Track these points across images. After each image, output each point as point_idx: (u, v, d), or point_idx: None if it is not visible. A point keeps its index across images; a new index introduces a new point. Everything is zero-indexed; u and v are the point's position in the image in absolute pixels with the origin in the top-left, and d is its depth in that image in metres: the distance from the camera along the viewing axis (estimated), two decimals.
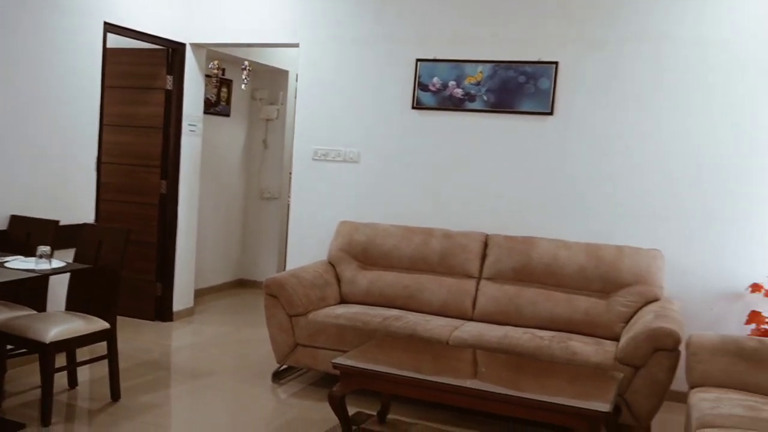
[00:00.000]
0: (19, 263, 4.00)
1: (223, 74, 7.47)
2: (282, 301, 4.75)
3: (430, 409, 4.42)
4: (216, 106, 7.46)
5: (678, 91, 4.92)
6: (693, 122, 4.89)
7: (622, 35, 5.02)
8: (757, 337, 3.98)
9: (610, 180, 5.09)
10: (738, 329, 4.68)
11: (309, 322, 4.74)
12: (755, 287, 4.67)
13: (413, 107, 5.56)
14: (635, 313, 4.57)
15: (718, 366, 3.73)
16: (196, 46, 6.31)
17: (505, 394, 3.49)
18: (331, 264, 5.37)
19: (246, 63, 7.29)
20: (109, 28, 5.45)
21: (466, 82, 5.39)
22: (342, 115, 5.79)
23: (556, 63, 5.17)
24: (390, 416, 4.29)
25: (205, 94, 6.80)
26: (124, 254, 4.33)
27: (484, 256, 5.12)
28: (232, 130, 7.84)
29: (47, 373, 3.92)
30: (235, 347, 5.85)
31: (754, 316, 4.63)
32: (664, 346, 3.95)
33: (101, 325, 4.23)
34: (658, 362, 3.97)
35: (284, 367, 4.99)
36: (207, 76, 6.83)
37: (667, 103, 4.95)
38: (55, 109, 5.06)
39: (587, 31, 5.10)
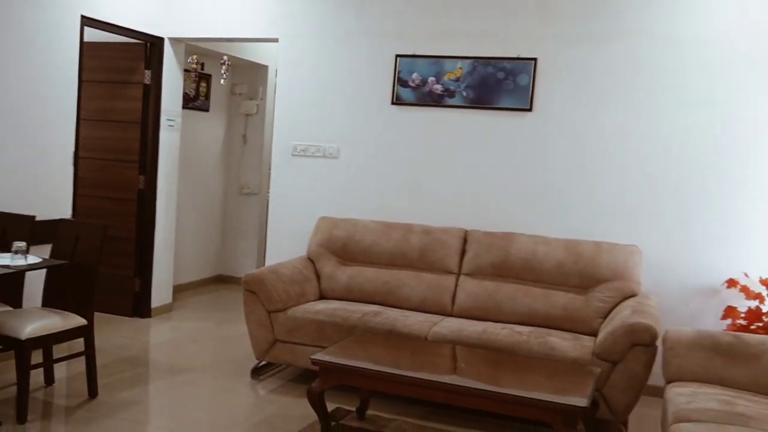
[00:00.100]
0: None
1: (202, 69, 7.43)
2: (261, 297, 4.73)
3: (410, 405, 4.43)
4: (195, 100, 7.42)
5: (656, 89, 4.95)
6: (671, 120, 4.93)
7: (601, 32, 5.05)
8: (733, 332, 4.02)
9: (589, 176, 5.12)
10: (714, 324, 4.73)
11: (288, 318, 4.73)
12: (731, 283, 4.72)
13: (392, 103, 5.56)
14: (613, 308, 4.61)
15: (694, 361, 3.77)
16: (175, 41, 6.26)
17: (484, 390, 3.51)
18: (311, 260, 5.36)
19: (225, 58, 7.26)
20: (87, 21, 5.40)
21: (445, 78, 5.40)
22: (321, 110, 5.77)
23: (535, 59, 5.19)
24: (369, 412, 4.29)
25: (184, 89, 6.76)
26: (102, 250, 4.29)
27: (463, 252, 5.13)
28: (211, 125, 7.80)
29: (23, 370, 3.88)
30: (214, 343, 5.84)
31: (729, 312, 4.68)
32: (641, 341, 3.98)
33: (78, 321, 4.20)
34: (636, 357, 4.00)
35: (263, 363, 4.97)
36: (186, 70, 6.78)
37: (645, 101, 4.98)
38: (31, 104, 5.01)
39: (566, 27, 5.13)
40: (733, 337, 3.83)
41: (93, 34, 5.70)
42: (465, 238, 5.17)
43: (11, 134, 4.86)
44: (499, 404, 3.47)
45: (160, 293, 6.45)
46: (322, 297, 5.22)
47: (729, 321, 4.67)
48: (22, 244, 4.03)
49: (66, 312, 4.21)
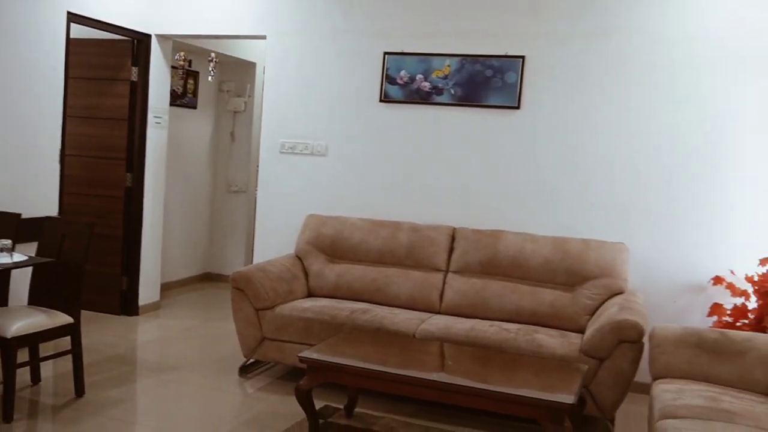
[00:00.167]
0: None
1: (189, 66, 7.40)
2: (249, 294, 4.72)
3: (397, 403, 4.43)
4: (182, 98, 7.39)
5: (645, 86, 4.97)
6: (659, 117, 4.95)
7: (589, 30, 5.06)
8: (719, 329, 4.04)
9: (577, 174, 5.13)
10: (700, 321, 4.76)
11: (276, 315, 4.72)
12: (717, 280, 4.75)
13: (381, 100, 5.56)
14: (600, 305, 4.62)
15: (680, 357, 3.79)
16: (162, 38, 6.24)
17: (471, 387, 3.51)
18: (299, 257, 5.35)
19: (213, 55, 7.23)
20: (73, 18, 5.37)
21: (433, 76, 5.40)
22: (309, 107, 5.76)
23: (523, 57, 5.19)
24: (357, 410, 4.30)
25: (172, 86, 6.73)
26: (88, 248, 4.27)
27: (451, 250, 5.14)
28: (198, 123, 7.77)
29: (9, 369, 3.86)
30: (202, 341, 5.82)
31: (715, 309, 4.70)
32: (628, 338, 4.00)
33: (65, 319, 4.18)
34: (623, 354, 4.02)
35: (251, 361, 4.97)
36: (173, 67, 6.76)
37: (633, 99, 5.00)
38: (17, 101, 4.98)
39: (554, 25, 5.14)
40: (719, 334, 3.85)
41: (79, 31, 5.67)
42: (453, 235, 5.18)
43: None
44: (487, 401, 3.48)
45: (147, 291, 6.42)
46: (310, 295, 5.22)
47: (715, 318, 4.70)
48: (8, 242, 4.01)
49: (52, 310, 4.19)
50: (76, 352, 4.28)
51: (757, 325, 4.46)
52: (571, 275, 4.79)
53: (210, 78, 7.46)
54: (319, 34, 5.71)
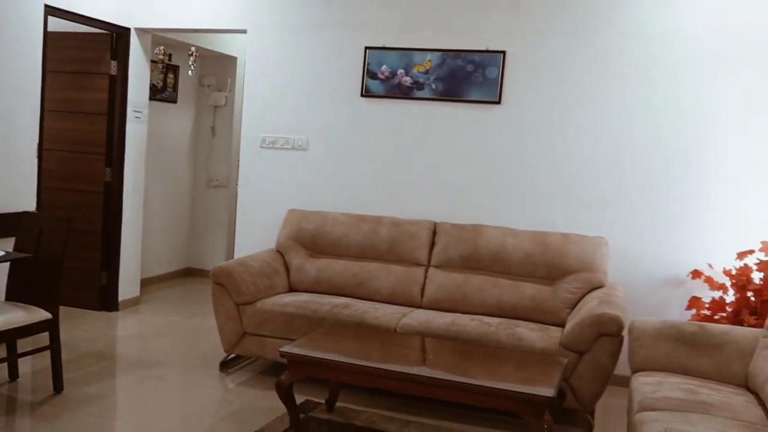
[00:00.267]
0: None
1: (169, 60, 7.35)
2: (229, 289, 4.71)
3: (379, 397, 4.43)
4: (162, 92, 7.34)
5: (625, 84, 5.00)
6: (639, 114, 4.98)
7: (569, 26, 5.08)
8: (697, 322, 4.08)
9: (558, 168, 5.15)
10: (679, 315, 4.79)
11: (257, 310, 4.71)
12: (695, 274, 4.79)
13: (362, 95, 5.55)
14: (580, 299, 4.65)
15: (659, 350, 3.82)
16: (141, 31, 6.19)
17: (452, 381, 3.52)
18: (280, 252, 5.34)
19: (193, 49, 7.19)
20: (50, 11, 5.31)
21: (414, 71, 5.40)
22: (290, 102, 5.75)
23: (504, 52, 5.20)
24: (338, 404, 4.30)
25: (151, 80, 6.69)
26: (66, 243, 4.23)
27: (432, 244, 5.15)
28: (179, 117, 7.73)
29: None
30: (183, 337, 5.80)
31: (694, 302, 4.74)
32: (607, 332, 4.02)
33: (43, 315, 4.14)
34: (602, 347, 4.04)
35: (232, 356, 4.95)
36: (153, 61, 6.71)
37: (613, 95, 5.03)
38: None
39: (535, 21, 5.15)
40: (697, 327, 3.89)
41: (57, 24, 5.61)
42: (434, 230, 5.19)
43: None
44: (468, 395, 3.49)
45: (127, 286, 6.38)
46: (292, 289, 5.21)
47: (693, 311, 4.74)
48: None
49: (30, 306, 4.15)
50: (55, 348, 4.25)
51: (735, 319, 4.51)
52: (552, 269, 4.82)
53: (190, 72, 7.42)
54: (300, 28, 5.69)
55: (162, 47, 7.05)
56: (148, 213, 6.87)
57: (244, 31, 5.87)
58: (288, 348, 3.80)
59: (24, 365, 4.60)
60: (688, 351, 3.79)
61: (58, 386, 4.27)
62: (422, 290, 5.03)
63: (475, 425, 4.18)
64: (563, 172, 5.14)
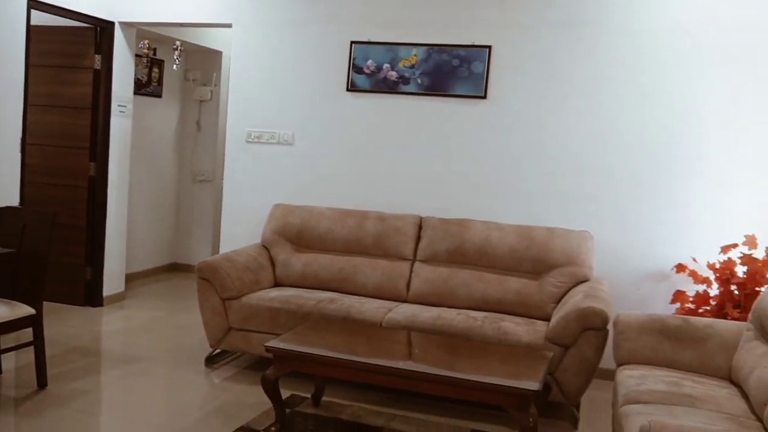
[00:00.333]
0: None
1: (154, 54, 7.31)
2: (215, 284, 4.69)
3: (365, 391, 4.44)
4: (147, 86, 7.30)
5: (609, 79, 5.01)
6: (624, 109, 5.00)
7: (555, 21, 5.08)
8: (681, 316, 4.10)
9: (543, 163, 5.17)
10: (663, 308, 4.82)
11: (242, 305, 4.70)
12: (680, 268, 4.81)
13: (348, 89, 5.54)
14: (565, 293, 4.67)
15: (644, 344, 3.84)
16: (126, 25, 6.15)
17: (437, 375, 3.52)
18: (265, 247, 5.33)
19: (178, 43, 7.14)
20: (33, 4, 5.26)
21: (400, 65, 5.39)
22: (276, 96, 5.73)
23: (489, 47, 5.21)
24: (324, 399, 4.30)
25: (136, 75, 6.65)
26: (50, 238, 4.21)
27: (418, 239, 5.15)
28: (164, 112, 7.68)
29: None
30: (168, 332, 5.77)
31: (678, 296, 4.77)
32: (592, 326, 4.04)
33: (26, 311, 4.11)
34: (587, 341, 4.06)
35: (217, 351, 4.94)
36: (137, 55, 6.67)
37: (598, 90, 5.04)
38: None
39: (520, 16, 5.15)
40: (681, 320, 3.91)
41: (41, 18, 5.56)
42: (420, 224, 5.19)
43: None
44: (453, 389, 3.50)
45: (112, 282, 6.35)
46: (277, 284, 5.20)
47: (678, 305, 4.77)
48: None
49: (14, 301, 4.12)
50: (38, 344, 4.22)
51: (719, 312, 4.54)
52: (537, 263, 4.83)
53: (175, 67, 7.37)
54: (285, 22, 5.67)
55: (146, 41, 7.00)
56: (132, 208, 6.84)
57: (229, 26, 5.85)
58: (273, 343, 3.79)
59: (7, 361, 4.57)
60: (672, 344, 3.81)
61: (41, 382, 4.24)
62: (408, 285, 5.03)
63: (461, 419, 4.19)
64: (549, 167, 5.16)
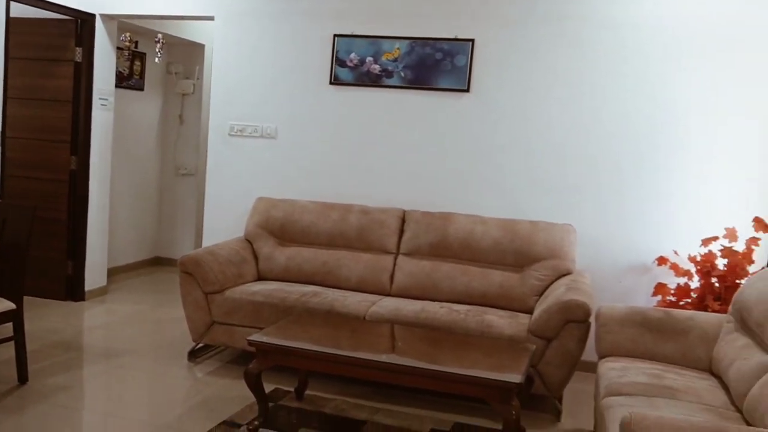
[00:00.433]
0: None
1: (135, 47, 7.25)
2: (197, 278, 4.67)
3: (348, 385, 4.44)
4: (129, 79, 7.25)
5: (592, 71, 5.03)
6: (606, 102, 5.02)
7: (538, 14, 5.09)
8: (663, 309, 4.12)
9: (526, 156, 5.18)
10: (645, 301, 4.86)
11: (225, 299, 4.68)
12: (661, 260, 4.85)
13: (331, 83, 5.52)
14: (548, 286, 4.69)
15: (625, 336, 3.87)
16: (107, 17, 6.09)
17: (420, 368, 3.52)
18: (248, 241, 5.31)
19: (160, 36, 7.09)
20: None
21: (383, 59, 5.38)
22: (259, 90, 5.70)
23: (472, 40, 5.21)
24: (308, 392, 4.30)
25: (117, 68, 6.59)
26: (31, 232, 4.17)
27: (401, 232, 5.15)
28: (146, 105, 7.63)
29: None
30: (150, 326, 5.74)
31: (659, 288, 4.81)
32: (575, 318, 4.06)
33: (6, 305, 4.07)
34: (570, 334, 4.08)
35: (200, 345, 4.92)
36: (119, 48, 6.61)
37: (581, 83, 5.06)
38: None
39: (503, 9, 5.15)
40: (663, 313, 3.94)
41: (20, 10, 5.50)
42: (403, 218, 5.19)
43: None
44: (436, 382, 3.50)
45: (93, 276, 6.31)
46: (260, 278, 5.18)
47: (659, 297, 4.80)
48: None
49: None
50: (19, 338, 4.19)
51: (699, 304, 4.57)
52: (520, 256, 4.84)
53: (157, 60, 7.32)
54: (267, 15, 5.64)
55: (128, 34, 6.94)
56: (114, 202, 6.80)
57: (211, 18, 5.81)
58: (256, 336, 3.78)
59: None
60: (653, 336, 3.84)
61: (22, 377, 4.21)
62: (391, 278, 5.03)
63: (444, 412, 4.20)
64: (532, 160, 5.17)
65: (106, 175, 6.35)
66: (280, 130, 5.67)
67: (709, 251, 4.67)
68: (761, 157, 4.79)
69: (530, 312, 4.57)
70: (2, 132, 5.20)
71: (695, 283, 4.71)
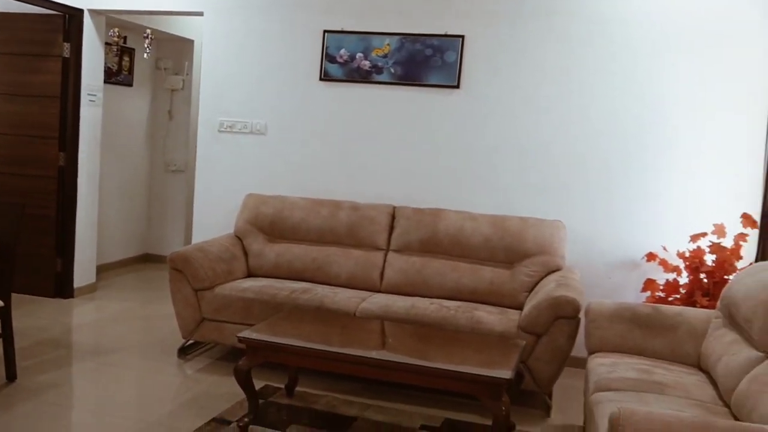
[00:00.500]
0: None
1: (124, 42, 7.22)
2: (187, 275, 4.66)
3: (339, 381, 4.44)
4: (117, 75, 7.21)
5: (581, 67, 5.04)
6: (595, 99, 5.03)
7: (527, 10, 5.09)
8: (651, 304, 4.15)
9: (517, 153, 5.19)
10: (634, 297, 4.88)
11: (215, 296, 4.67)
12: (650, 256, 4.86)
13: (320, 79, 5.51)
14: (538, 282, 4.70)
15: (615, 332, 3.88)
16: (95, 13, 6.06)
17: (410, 364, 3.53)
18: (238, 237, 5.30)
19: (148, 31, 7.06)
20: None
21: (373, 54, 5.38)
22: (248, 86, 5.69)
23: (462, 37, 5.21)
24: (298, 389, 4.30)
25: (106, 63, 6.56)
26: (19, 229, 4.15)
27: (391, 228, 5.15)
28: (135, 101, 7.60)
29: None
30: (140, 323, 5.73)
31: (648, 284, 4.82)
32: (564, 314, 4.07)
33: None
34: (559, 329, 4.09)
35: (190, 342, 4.91)
36: (107, 44, 6.58)
37: (571, 79, 5.06)
38: None
39: (492, 5, 5.15)
40: (651, 308, 3.96)
41: (6, 4, 5.47)
42: (393, 214, 5.19)
43: None
44: (427, 378, 3.50)
45: (83, 273, 6.28)
46: (250, 275, 5.18)
47: (648, 293, 4.82)
48: None
49: None
50: (7, 336, 4.17)
51: (688, 300, 4.59)
52: (510, 253, 4.85)
53: (146, 55, 7.29)
54: (257, 11, 5.63)
55: (116, 29, 6.91)
56: (104, 198, 6.77)
57: (200, 14, 5.78)
58: (246, 333, 3.77)
59: None
60: (642, 332, 3.85)
61: (11, 375, 4.19)
62: (382, 274, 5.03)
63: (435, 408, 4.20)
64: (522, 156, 5.18)
65: (94, 172, 6.32)
66: (270, 126, 5.65)
67: (698, 247, 4.69)
68: (749, 152, 4.81)
69: (520, 308, 4.58)
70: None
71: (684, 279, 4.73)
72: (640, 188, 4.99)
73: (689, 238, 4.73)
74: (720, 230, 4.68)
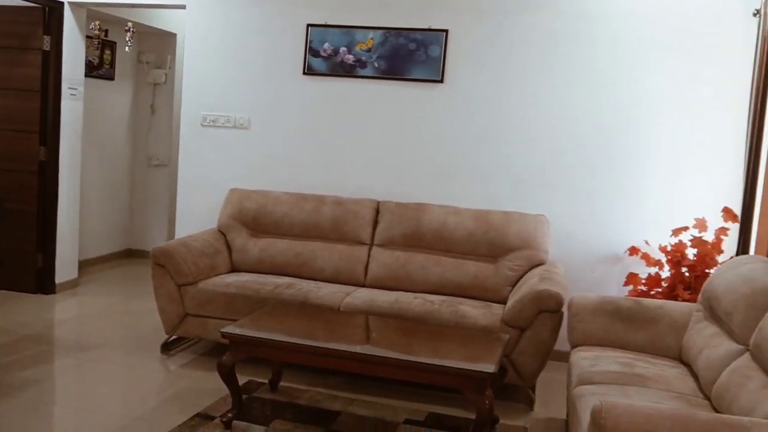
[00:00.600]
0: None
1: (105, 36, 7.15)
2: (170, 270, 4.64)
3: (323, 376, 4.44)
4: (99, 69, 7.16)
5: (566, 63, 5.05)
6: (579, 94, 5.04)
7: (512, 6, 5.10)
8: (634, 298, 4.17)
9: (500, 147, 5.19)
10: (617, 291, 4.91)
11: (198, 291, 4.65)
12: (633, 251, 4.89)
13: (304, 73, 5.50)
14: (521, 276, 4.71)
15: (597, 326, 3.90)
16: (75, 5, 6.00)
17: (394, 358, 3.53)
18: (222, 232, 5.28)
19: (130, 24, 7.00)
20: None
21: (357, 49, 5.36)
22: (231, 80, 5.66)
23: (446, 31, 5.21)
24: (282, 384, 4.29)
25: (87, 57, 6.51)
26: None
27: (375, 223, 5.15)
28: (116, 95, 7.55)
29: None
30: (123, 319, 5.70)
31: (631, 278, 4.85)
32: (548, 308, 4.08)
33: None
34: (543, 323, 4.11)
35: (173, 337, 4.89)
36: (88, 37, 6.52)
37: (555, 75, 5.08)
38: None
39: (477, 0, 5.17)
40: (633, 302, 3.98)
41: None
42: (377, 209, 5.19)
43: None
44: (411, 372, 3.51)
45: (64, 268, 6.23)
46: (234, 270, 5.16)
47: (631, 287, 4.85)
48: None
49: None
50: None
51: (670, 294, 4.62)
52: (494, 247, 4.86)
53: (127, 49, 7.22)
54: (240, 4, 5.60)
55: (97, 22, 6.85)
56: (85, 193, 6.72)
57: (183, 7, 5.75)
58: (230, 328, 3.76)
59: None
60: (624, 326, 3.88)
61: None
62: (366, 269, 5.03)
63: (419, 402, 4.21)
64: (505, 151, 5.19)
65: (76, 166, 6.27)
66: (253, 121, 5.63)
67: (680, 241, 4.72)
68: (734, 149, 4.83)
69: (504, 302, 4.59)
70: None
71: (666, 272, 4.77)
72: (623, 183, 5.01)
73: (671, 233, 4.76)
74: (701, 224, 4.72)
